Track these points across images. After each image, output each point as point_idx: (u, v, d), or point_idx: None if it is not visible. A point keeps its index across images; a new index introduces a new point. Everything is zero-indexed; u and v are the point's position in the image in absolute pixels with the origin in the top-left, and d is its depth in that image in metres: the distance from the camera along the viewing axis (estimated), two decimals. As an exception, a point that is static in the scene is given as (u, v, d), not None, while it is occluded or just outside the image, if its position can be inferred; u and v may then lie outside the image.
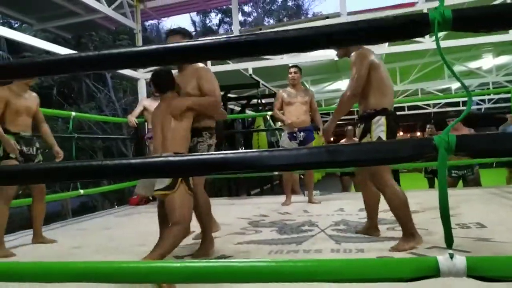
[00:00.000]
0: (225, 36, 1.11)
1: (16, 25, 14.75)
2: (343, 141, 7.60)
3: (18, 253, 3.20)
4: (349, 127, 7.52)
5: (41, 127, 3.67)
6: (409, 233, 2.65)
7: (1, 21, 14.92)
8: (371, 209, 3.08)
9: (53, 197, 6.29)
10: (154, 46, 1.15)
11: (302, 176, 6.31)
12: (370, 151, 1.02)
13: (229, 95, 9.13)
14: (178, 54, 1.18)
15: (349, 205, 4.47)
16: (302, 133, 4.79)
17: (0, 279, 1.32)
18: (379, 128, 2.71)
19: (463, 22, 1.03)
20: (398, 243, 2.64)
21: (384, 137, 2.67)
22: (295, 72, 4.86)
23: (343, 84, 12.16)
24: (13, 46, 14.21)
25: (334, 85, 12.25)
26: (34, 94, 3.60)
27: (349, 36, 1.05)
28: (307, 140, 4.80)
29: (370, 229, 3.08)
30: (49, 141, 3.72)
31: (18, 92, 3.35)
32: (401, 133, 20.01)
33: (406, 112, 15.39)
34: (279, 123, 5.61)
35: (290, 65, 5.06)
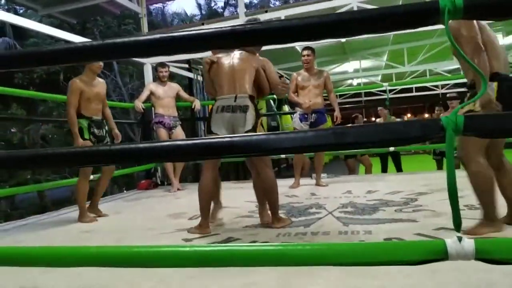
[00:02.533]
0: (230, 26, 1.09)
1: (21, 11, 14.72)
2: (379, 120, 7.59)
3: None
4: (380, 108, 7.47)
5: (104, 111, 4.10)
6: (489, 218, 2.37)
7: (6, 7, 14.88)
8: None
9: (62, 182, 6.35)
10: (159, 36, 1.15)
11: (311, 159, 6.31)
12: (377, 133, 1.02)
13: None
14: (184, 44, 1.17)
15: (356, 188, 4.47)
16: (313, 115, 4.75)
17: (11, 264, 1.35)
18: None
19: (475, 10, 1.00)
20: (475, 226, 2.37)
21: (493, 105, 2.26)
22: (308, 55, 4.77)
23: (350, 66, 12.07)
24: (18, 32, 14.19)
25: (341, 67, 12.15)
26: (102, 81, 4.04)
27: (357, 25, 1.02)
28: (318, 122, 4.75)
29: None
30: (110, 124, 4.18)
31: (89, 81, 3.83)
32: (408, 115, 19.88)
33: (414, 93, 15.25)
34: (285, 108, 5.59)
35: (303, 47, 4.93)
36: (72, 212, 4.49)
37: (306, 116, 4.78)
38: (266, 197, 3.10)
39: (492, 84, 2.31)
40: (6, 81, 12.33)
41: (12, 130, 13.10)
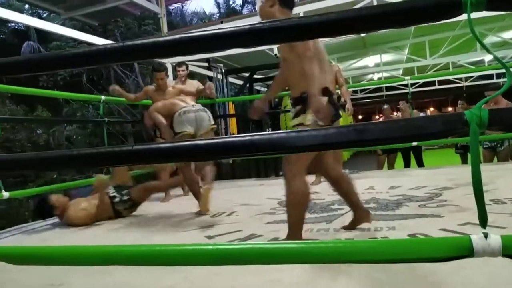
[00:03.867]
0: (249, 24, 1.09)
1: (45, 15, 15.02)
2: (380, 120, 7.50)
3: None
4: (386, 106, 7.38)
5: None
6: (292, 237, 2.32)
7: (30, 11, 15.21)
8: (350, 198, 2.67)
9: (83, 182, 6.45)
10: (178, 36, 1.16)
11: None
12: (399, 129, 1.00)
13: (255, 76, 9.08)
14: (202, 43, 1.18)
15: (379, 183, 4.43)
16: None
17: (38, 263, 1.38)
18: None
19: (497, 1, 0.98)
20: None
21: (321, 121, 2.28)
22: None
23: (370, 61, 11.93)
24: (42, 35, 14.51)
25: (362, 62, 12.02)
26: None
27: (377, 20, 1.01)
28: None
29: (359, 219, 2.65)
30: None
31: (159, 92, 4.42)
32: (431, 109, 19.54)
33: (437, 86, 14.98)
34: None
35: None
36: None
37: None
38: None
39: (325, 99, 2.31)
40: (31, 84, 12.63)
41: (38, 131, 13.39)
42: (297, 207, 2.33)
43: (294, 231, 2.33)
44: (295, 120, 2.36)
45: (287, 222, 2.36)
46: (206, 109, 3.78)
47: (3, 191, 3.61)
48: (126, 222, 3.72)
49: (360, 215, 2.64)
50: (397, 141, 1.00)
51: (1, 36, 16.28)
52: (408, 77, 6.15)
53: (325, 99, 2.28)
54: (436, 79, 14.32)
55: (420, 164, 7.01)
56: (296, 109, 2.36)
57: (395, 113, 7.53)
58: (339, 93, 4.89)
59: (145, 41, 1.22)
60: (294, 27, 1.07)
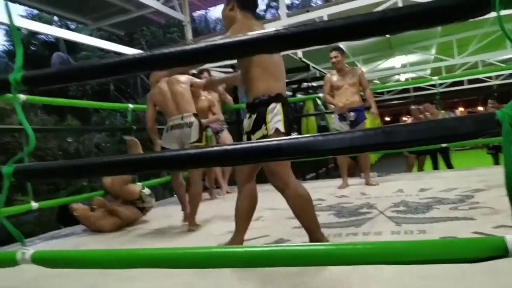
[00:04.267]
0: (274, 29, 1.09)
1: (73, 26, 15.42)
2: (408, 121, 7.38)
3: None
4: (413, 107, 7.24)
5: None
6: (315, 238, 2.28)
7: (59, 23, 15.64)
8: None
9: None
10: (204, 44, 1.17)
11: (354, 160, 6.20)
12: (429, 130, 0.99)
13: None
14: (228, 51, 1.19)
15: (408, 186, 4.35)
16: (352, 113, 4.71)
17: (74, 266, 1.42)
18: (276, 118, 2.25)
19: None
20: None
21: (282, 129, 2.23)
22: (335, 56, 4.76)
23: (396, 62, 11.77)
24: (71, 46, 14.90)
25: (387, 63, 11.87)
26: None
27: (404, 22, 0.99)
28: (358, 120, 4.72)
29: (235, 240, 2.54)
30: None
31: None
32: (461, 109, 19.11)
33: (466, 86, 14.63)
34: (331, 106, 5.55)
35: (331, 47, 4.86)
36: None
37: (344, 115, 4.76)
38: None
39: (277, 104, 2.27)
40: (62, 94, 12.97)
41: (68, 140, 13.73)
42: (304, 210, 2.30)
43: (315, 232, 2.31)
44: (257, 134, 2.31)
45: (304, 229, 2.33)
46: (192, 123, 3.52)
47: (32, 201, 3.72)
48: (153, 226, 3.77)
49: (238, 238, 2.56)
50: (426, 142, 0.98)
51: (32, 48, 16.79)
52: (436, 77, 6.04)
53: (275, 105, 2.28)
54: (465, 78, 13.99)
55: (449, 165, 6.85)
56: (252, 119, 2.34)
57: (426, 113, 7.35)
58: (364, 97, 4.87)
59: (172, 49, 1.24)
60: (320, 31, 1.07)
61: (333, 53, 4.78)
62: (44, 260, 1.37)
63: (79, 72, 1.54)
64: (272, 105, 2.27)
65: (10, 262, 1.40)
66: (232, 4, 2.47)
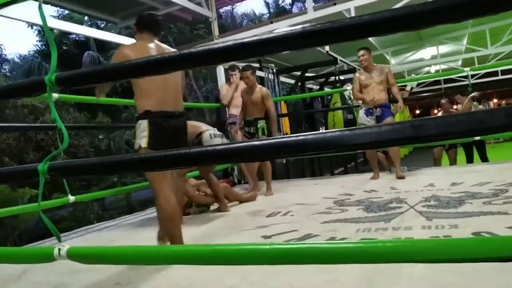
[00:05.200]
0: (300, 26, 1.09)
1: (102, 25, 15.74)
2: (439, 114, 7.23)
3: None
4: (443, 100, 7.09)
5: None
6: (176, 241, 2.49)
7: (89, 22, 15.98)
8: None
9: (147, 184, 6.69)
10: (232, 43, 1.18)
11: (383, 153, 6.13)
12: (459, 123, 0.96)
13: (306, 74, 9.03)
14: (256, 48, 1.20)
15: (439, 180, 4.27)
16: (378, 109, 4.87)
17: (107, 262, 1.46)
18: (142, 134, 2.43)
19: None
20: None
21: (144, 144, 2.41)
22: (362, 55, 4.91)
23: (426, 53, 11.51)
24: (101, 44, 15.23)
25: (417, 55, 11.63)
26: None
27: (433, 16, 0.97)
28: (384, 115, 4.83)
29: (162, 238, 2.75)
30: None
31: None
32: (495, 100, 18.54)
33: (500, 77, 14.17)
34: (358, 102, 5.53)
35: (358, 48, 5.05)
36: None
37: (371, 110, 4.91)
38: None
39: (143, 121, 2.43)
40: (93, 91, 13.25)
41: (99, 136, 14.05)
42: (165, 221, 2.54)
43: (173, 238, 2.51)
44: (135, 144, 2.51)
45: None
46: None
47: (69, 195, 3.83)
48: (184, 222, 3.82)
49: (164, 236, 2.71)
50: (455, 136, 0.96)
51: (64, 47, 17.22)
52: (467, 68, 5.88)
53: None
54: (498, 69, 13.54)
55: (484, 159, 6.67)
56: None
57: (454, 107, 7.17)
58: (392, 93, 4.98)
59: (200, 49, 1.25)
60: (346, 27, 1.06)
61: (361, 52, 4.94)
62: (79, 256, 1.42)
63: (110, 72, 1.58)
64: (139, 122, 2.46)
65: (47, 257, 1.45)
66: (135, 28, 2.71)
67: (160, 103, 2.47)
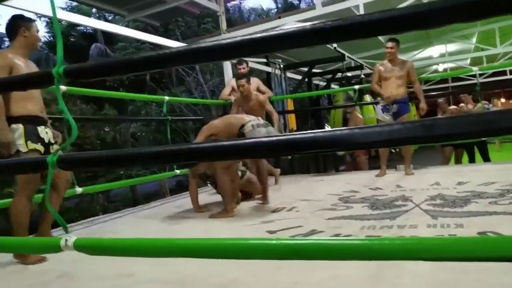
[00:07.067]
0: (311, 24, 1.09)
1: (110, 17, 15.73)
2: (439, 115, 7.20)
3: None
4: (440, 100, 7.06)
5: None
6: None
7: (97, 15, 16.00)
8: None
9: (152, 177, 6.73)
10: (240, 39, 1.18)
11: (393, 151, 6.13)
12: (469, 124, 0.96)
13: (313, 70, 9.00)
14: (264, 45, 1.20)
15: (445, 179, 4.25)
16: (395, 105, 4.76)
17: (111, 253, 1.47)
18: (18, 141, 2.50)
19: None
20: None
21: (22, 149, 2.49)
22: (391, 47, 4.78)
23: (435, 51, 11.43)
24: (109, 37, 15.25)
25: (425, 52, 11.55)
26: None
27: (449, 14, 0.95)
28: (400, 112, 4.75)
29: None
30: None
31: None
32: (502, 100, 18.38)
33: (509, 76, 14.05)
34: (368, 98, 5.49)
35: (388, 38, 4.92)
36: (161, 205, 4.76)
37: (388, 106, 4.82)
38: None
39: (19, 126, 2.49)
40: (99, 84, 13.30)
41: (106, 129, 14.10)
42: (14, 218, 2.56)
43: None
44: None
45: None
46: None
47: (76, 186, 3.85)
48: (188, 216, 3.84)
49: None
50: (466, 136, 0.95)
51: (72, 39, 17.26)
52: (476, 68, 5.83)
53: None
54: (508, 68, 13.42)
55: (486, 159, 6.65)
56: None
57: (461, 105, 7.13)
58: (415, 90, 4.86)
59: (209, 44, 1.25)
60: (357, 25, 1.06)
61: (389, 44, 4.81)
62: (85, 247, 1.43)
63: (118, 65, 1.59)
64: (13, 126, 2.52)
65: (54, 248, 1.46)
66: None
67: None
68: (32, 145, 2.54)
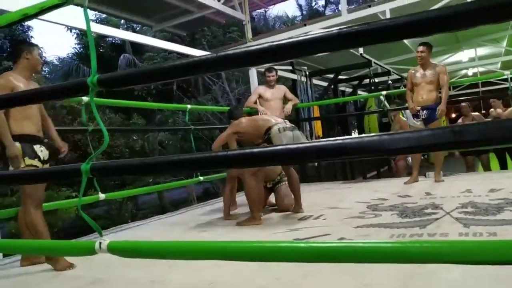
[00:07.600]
0: (337, 28, 1.10)
1: (138, 28, 16.07)
2: (459, 120, 7.07)
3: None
4: (463, 104, 6.91)
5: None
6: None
7: (125, 26, 16.36)
8: None
9: (176, 184, 6.80)
10: (267, 45, 1.20)
11: (423, 157, 6.03)
12: (501, 129, 0.95)
13: (340, 76, 8.96)
14: (290, 50, 1.22)
15: (476, 186, 4.15)
16: (424, 111, 4.70)
17: (142, 256, 1.51)
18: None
19: None
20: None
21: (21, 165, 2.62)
22: (421, 51, 4.68)
23: (464, 55, 11.21)
24: (136, 47, 15.57)
25: (455, 57, 11.33)
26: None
27: (477, 16, 0.95)
28: (430, 118, 4.67)
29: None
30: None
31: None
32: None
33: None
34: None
35: (419, 43, 4.84)
36: (188, 211, 4.81)
37: (418, 113, 4.77)
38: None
39: (17, 145, 2.60)
40: (128, 94, 13.59)
41: (134, 137, 14.34)
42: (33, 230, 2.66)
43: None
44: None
45: None
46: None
47: (99, 193, 3.93)
48: (216, 221, 3.87)
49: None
50: (498, 142, 0.94)
51: (101, 50, 17.68)
52: (508, 71, 5.69)
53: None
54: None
55: None
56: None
57: (491, 110, 6.95)
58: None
59: (237, 51, 1.28)
60: (383, 29, 1.06)
61: (420, 48, 4.72)
62: (119, 250, 1.48)
63: (147, 74, 1.63)
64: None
65: (89, 251, 1.51)
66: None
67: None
68: (29, 161, 2.69)
